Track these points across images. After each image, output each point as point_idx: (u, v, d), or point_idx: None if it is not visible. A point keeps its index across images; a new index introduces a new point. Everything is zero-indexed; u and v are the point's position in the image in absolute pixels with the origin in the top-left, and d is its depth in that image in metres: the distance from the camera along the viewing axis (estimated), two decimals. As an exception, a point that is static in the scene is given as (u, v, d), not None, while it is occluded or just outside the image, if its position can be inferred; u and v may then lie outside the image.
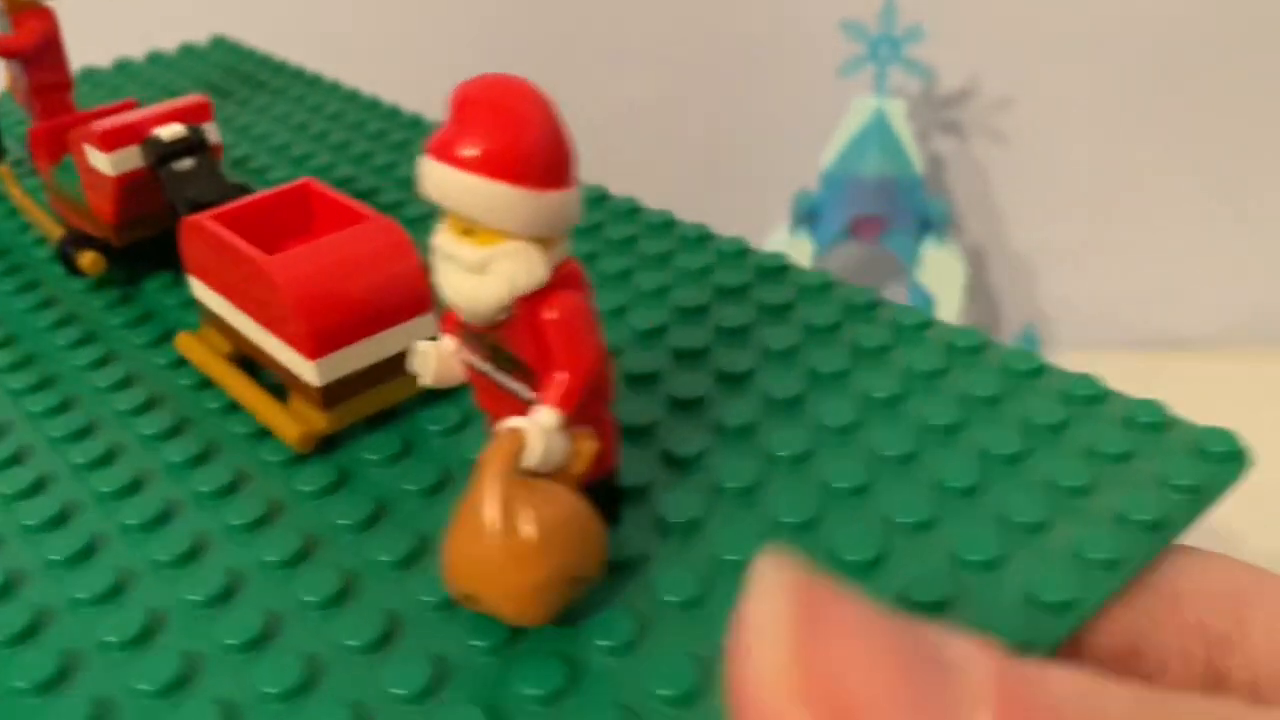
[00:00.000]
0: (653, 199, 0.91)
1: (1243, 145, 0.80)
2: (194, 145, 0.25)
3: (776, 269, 0.25)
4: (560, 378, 0.16)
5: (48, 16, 0.31)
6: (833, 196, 0.74)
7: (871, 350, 0.22)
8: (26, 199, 0.31)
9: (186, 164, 0.25)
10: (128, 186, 0.25)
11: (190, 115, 0.26)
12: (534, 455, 0.15)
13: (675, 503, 0.18)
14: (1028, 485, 0.18)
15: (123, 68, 0.43)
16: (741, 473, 0.19)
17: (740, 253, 0.26)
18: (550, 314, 0.16)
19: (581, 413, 0.16)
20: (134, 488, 0.20)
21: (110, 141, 0.25)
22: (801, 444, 0.20)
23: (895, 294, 0.89)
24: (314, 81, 0.40)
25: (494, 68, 0.66)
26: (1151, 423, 0.19)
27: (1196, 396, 0.26)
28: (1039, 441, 0.19)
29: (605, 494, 0.18)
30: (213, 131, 0.26)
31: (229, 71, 0.42)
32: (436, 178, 0.15)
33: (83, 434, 0.22)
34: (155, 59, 0.44)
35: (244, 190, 0.25)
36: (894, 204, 0.74)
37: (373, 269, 0.21)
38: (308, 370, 0.20)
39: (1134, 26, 0.77)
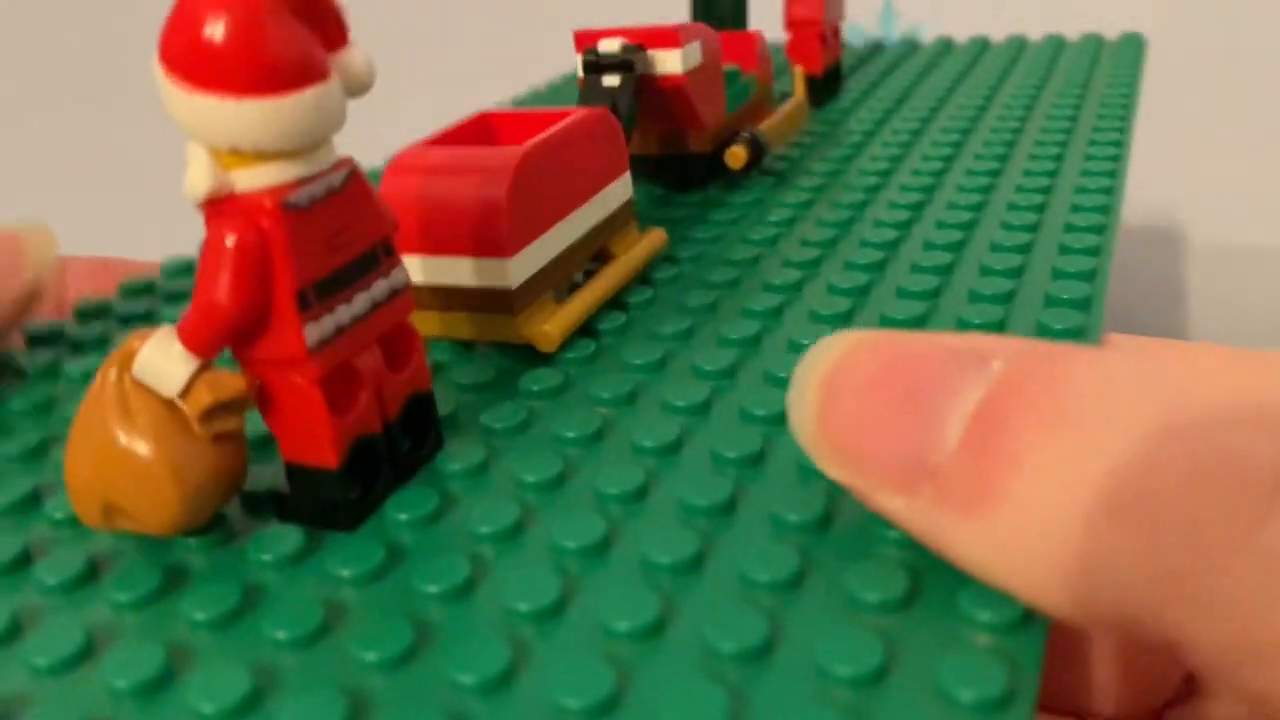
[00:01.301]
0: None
1: (1240, 146, 0.76)
2: (621, 64, 0.25)
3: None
4: (191, 306, 0.14)
5: None
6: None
7: None
8: None
9: (613, 80, 0.25)
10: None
11: (657, 40, 0.26)
12: (138, 365, 0.15)
13: None
14: None
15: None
16: None
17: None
18: (208, 233, 0.14)
19: (256, 369, 0.15)
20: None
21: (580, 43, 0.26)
22: None
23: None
24: None
25: (493, 68, 0.59)
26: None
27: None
28: None
29: (314, 486, 0.16)
30: (665, 60, 0.26)
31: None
32: None
33: None
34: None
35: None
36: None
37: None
38: None
39: (1130, 29, 0.70)
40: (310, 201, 0.14)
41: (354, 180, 0.15)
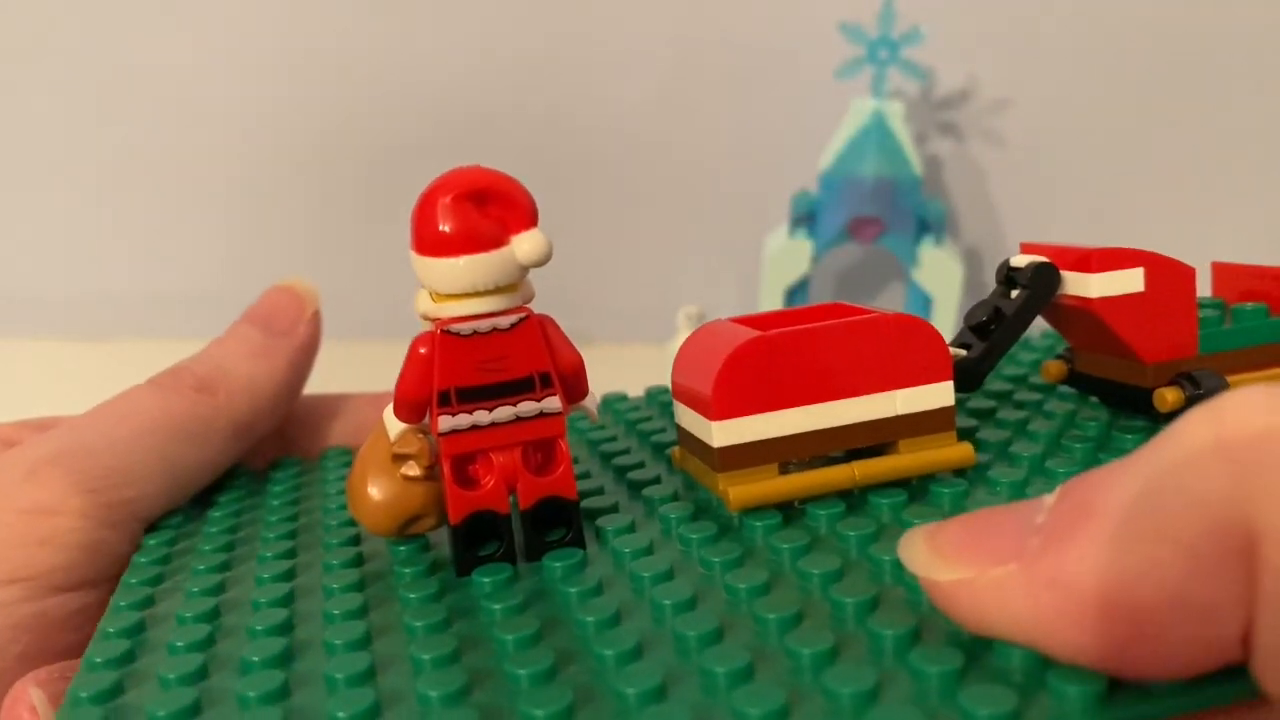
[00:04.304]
0: (653, 199, 0.74)
1: (1241, 146, 0.78)
2: (1025, 280, 0.26)
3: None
4: None
5: None
6: (831, 197, 0.74)
7: None
8: None
9: (1016, 293, 0.26)
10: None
11: (1083, 263, 0.25)
12: (385, 412, 0.22)
13: None
14: None
15: None
16: None
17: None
18: None
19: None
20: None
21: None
22: None
23: (894, 294, 0.83)
24: None
25: (498, 68, 0.74)
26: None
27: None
28: None
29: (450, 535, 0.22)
30: (1078, 283, 0.25)
31: None
32: None
33: None
34: None
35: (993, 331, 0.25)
36: (892, 205, 0.72)
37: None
38: None
39: (1131, 29, 0.74)
40: (471, 333, 0.20)
41: (525, 327, 0.21)
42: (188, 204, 0.85)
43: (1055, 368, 0.28)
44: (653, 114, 0.83)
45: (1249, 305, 0.26)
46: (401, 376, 0.21)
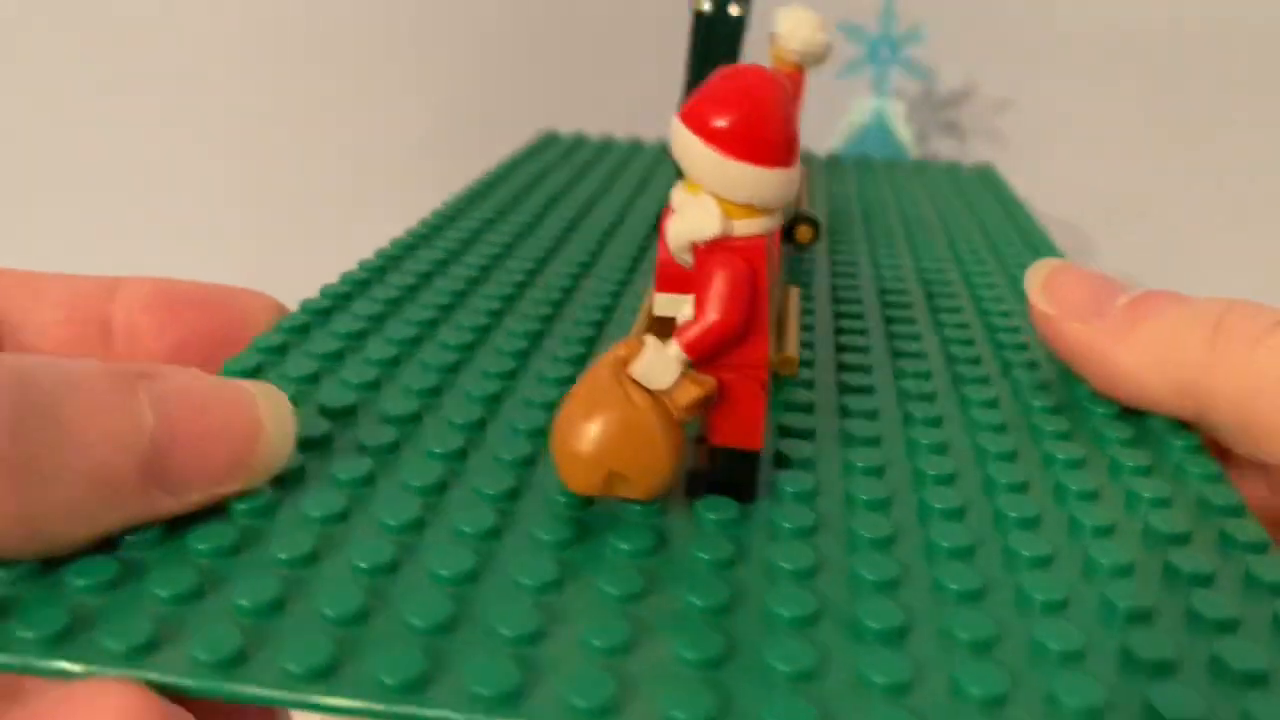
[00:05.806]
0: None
1: (1242, 150, 0.79)
2: None
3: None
4: (695, 322, 0.18)
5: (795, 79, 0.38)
6: (836, 198, 0.71)
7: None
8: None
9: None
10: None
11: None
12: (639, 365, 0.18)
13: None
14: None
15: None
16: None
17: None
18: (710, 266, 0.18)
19: (717, 371, 0.19)
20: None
21: None
22: None
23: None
24: None
25: (495, 65, 0.79)
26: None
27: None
28: None
29: (738, 465, 0.20)
30: None
31: None
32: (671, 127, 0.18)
33: None
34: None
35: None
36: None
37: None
38: None
39: (1133, 30, 0.77)
40: (772, 247, 0.19)
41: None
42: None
43: None
44: (653, 112, 0.56)
45: None
46: (728, 306, 0.18)
